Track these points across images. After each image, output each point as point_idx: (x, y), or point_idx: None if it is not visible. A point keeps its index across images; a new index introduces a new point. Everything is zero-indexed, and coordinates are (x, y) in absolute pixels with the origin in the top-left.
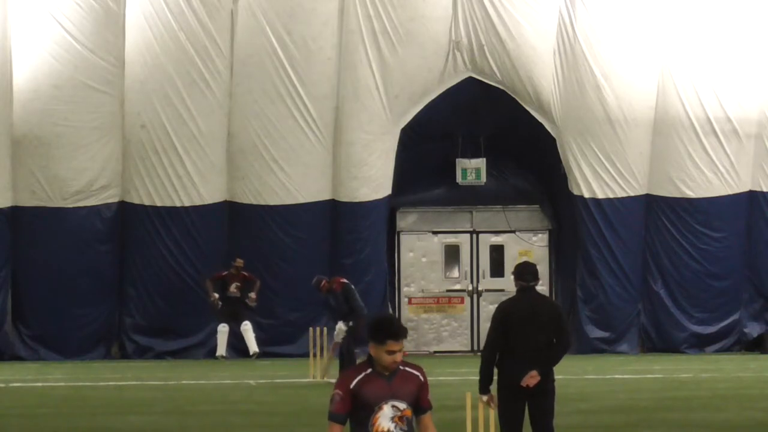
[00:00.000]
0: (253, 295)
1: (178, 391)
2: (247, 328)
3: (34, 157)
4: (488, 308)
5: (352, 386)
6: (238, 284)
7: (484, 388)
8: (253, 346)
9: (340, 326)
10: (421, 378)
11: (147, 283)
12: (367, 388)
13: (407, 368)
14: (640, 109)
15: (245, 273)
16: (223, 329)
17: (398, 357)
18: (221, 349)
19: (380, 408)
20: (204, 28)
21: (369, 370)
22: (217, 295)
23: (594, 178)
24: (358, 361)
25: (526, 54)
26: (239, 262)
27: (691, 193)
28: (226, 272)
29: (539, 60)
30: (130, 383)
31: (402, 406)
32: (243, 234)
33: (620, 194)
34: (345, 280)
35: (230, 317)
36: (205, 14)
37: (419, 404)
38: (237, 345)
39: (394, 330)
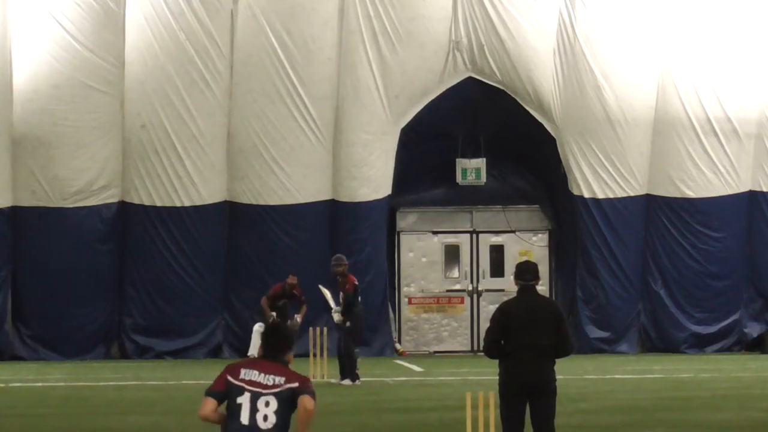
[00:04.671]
0: (298, 318)
1: (178, 391)
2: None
3: (34, 157)
4: (488, 308)
5: None
6: (285, 301)
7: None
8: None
9: (338, 316)
10: None
11: (147, 283)
12: None
13: None
14: (640, 109)
15: (296, 291)
16: (259, 329)
17: None
18: (254, 350)
19: None
20: (204, 28)
21: None
22: (274, 314)
23: (594, 178)
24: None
25: (526, 54)
26: (292, 279)
27: (691, 193)
28: (280, 288)
29: (539, 60)
30: (130, 383)
31: None
32: (243, 234)
33: (620, 194)
34: (357, 283)
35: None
36: (205, 14)
37: None
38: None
39: None
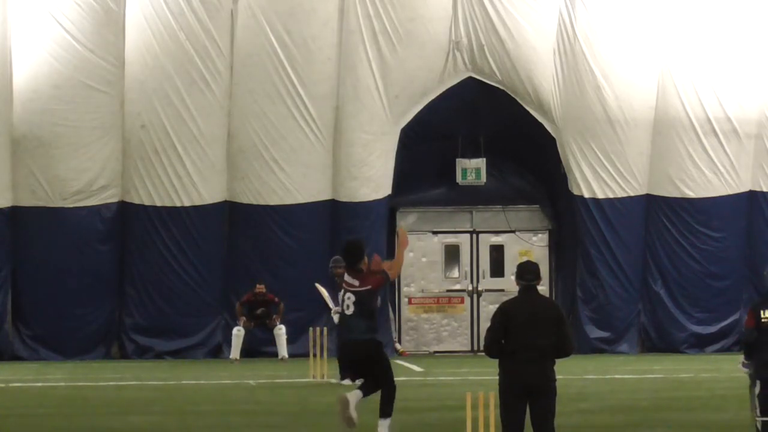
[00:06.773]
0: (277, 320)
1: (178, 391)
2: (280, 333)
3: (34, 157)
4: (488, 308)
5: None
6: (264, 309)
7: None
8: (283, 351)
9: (338, 317)
10: None
11: (147, 283)
12: None
13: None
14: (640, 109)
15: (268, 296)
16: (238, 333)
17: None
18: (235, 352)
19: None
20: (204, 28)
21: None
22: (243, 318)
23: (594, 178)
24: None
25: (526, 54)
26: (260, 287)
27: (691, 193)
28: (252, 296)
29: (539, 60)
30: (130, 383)
31: None
32: (243, 234)
33: (620, 194)
34: None
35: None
36: (205, 14)
37: None
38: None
39: None
